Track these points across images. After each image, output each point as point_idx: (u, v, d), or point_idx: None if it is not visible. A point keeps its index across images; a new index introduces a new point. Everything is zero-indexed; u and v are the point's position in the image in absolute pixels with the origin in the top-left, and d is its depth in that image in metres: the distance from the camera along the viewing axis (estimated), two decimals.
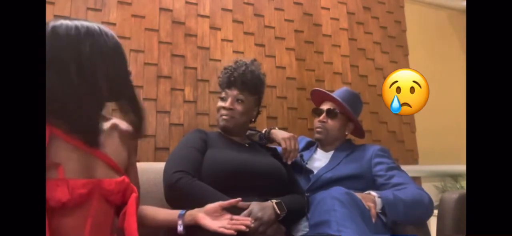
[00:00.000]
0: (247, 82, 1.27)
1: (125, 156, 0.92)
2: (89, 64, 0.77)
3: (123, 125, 0.94)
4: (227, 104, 1.25)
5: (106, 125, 0.90)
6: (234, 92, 1.26)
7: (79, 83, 0.75)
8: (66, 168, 0.74)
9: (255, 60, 1.36)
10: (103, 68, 0.79)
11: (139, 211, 0.93)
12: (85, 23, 0.80)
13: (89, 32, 0.79)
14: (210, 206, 0.96)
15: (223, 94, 1.29)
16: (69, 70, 0.75)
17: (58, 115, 0.75)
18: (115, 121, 0.94)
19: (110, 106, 0.93)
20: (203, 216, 0.94)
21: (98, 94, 0.80)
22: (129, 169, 0.95)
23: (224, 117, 1.26)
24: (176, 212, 0.98)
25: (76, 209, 0.73)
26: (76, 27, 0.77)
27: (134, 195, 0.84)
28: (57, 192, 0.70)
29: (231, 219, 0.94)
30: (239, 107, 1.26)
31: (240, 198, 0.99)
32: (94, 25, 0.81)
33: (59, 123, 0.76)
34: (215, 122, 1.80)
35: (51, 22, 0.78)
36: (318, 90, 1.54)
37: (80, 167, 0.77)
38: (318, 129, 1.46)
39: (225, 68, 1.32)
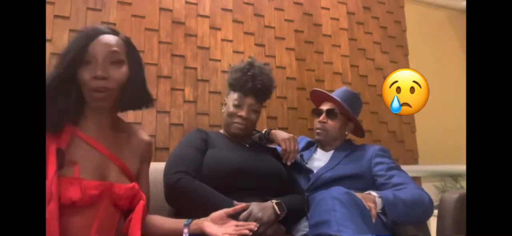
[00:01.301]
0: (264, 92, 1.27)
1: (137, 163, 0.94)
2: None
3: (142, 134, 0.97)
4: (244, 113, 1.23)
5: (127, 129, 0.93)
6: (250, 101, 1.24)
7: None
8: (81, 167, 0.76)
9: (267, 64, 1.34)
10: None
11: (147, 219, 0.94)
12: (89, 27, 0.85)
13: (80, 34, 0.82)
14: (215, 214, 0.95)
15: (237, 100, 1.24)
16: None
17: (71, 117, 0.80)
18: (134, 128, 0.97)
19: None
20: (208, 224, 0.94)
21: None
22: (140, 177, 0.96)
23: (238, 125, 1.24)
24: (182, 221, 0.97)
25: (85, 209, 0.74)
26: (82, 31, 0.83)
27: (141, 202, 0.85)
28: (69, 190, 0.71)
29: (237, 226, 0.93)
30: (253, 117, 1.26)
31: (244, 204, 0.99)
32: (91, 26, 0.86)
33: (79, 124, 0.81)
34: (215, 122, 1.80)
35: None
36: (317, 90, 1.53)
37: (95, 168, 0.79)
38: (318, 130, 1.46)
39: (241, 70, 1.26)
